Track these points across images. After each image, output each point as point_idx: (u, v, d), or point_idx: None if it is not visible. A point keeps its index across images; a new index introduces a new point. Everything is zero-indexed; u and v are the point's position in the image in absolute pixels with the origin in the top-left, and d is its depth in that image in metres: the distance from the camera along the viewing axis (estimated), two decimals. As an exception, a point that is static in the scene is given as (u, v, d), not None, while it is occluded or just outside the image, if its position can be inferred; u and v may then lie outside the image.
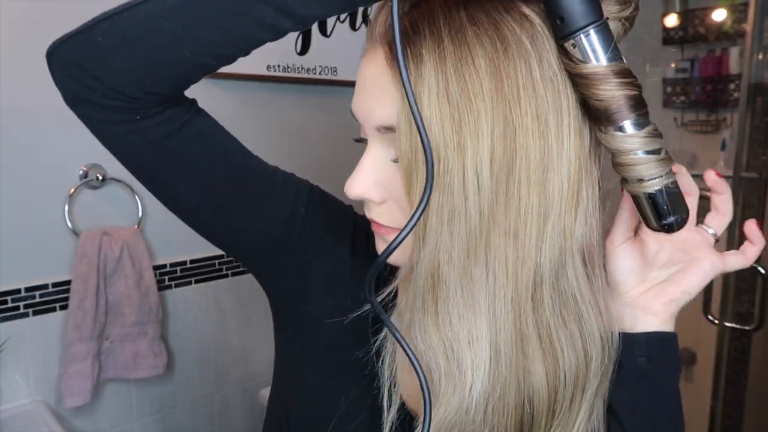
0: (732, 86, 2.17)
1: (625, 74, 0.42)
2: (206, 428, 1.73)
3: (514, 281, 0.46)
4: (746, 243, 0.53)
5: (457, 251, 0.45)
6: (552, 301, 0.48)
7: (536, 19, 0.44)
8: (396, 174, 0.48)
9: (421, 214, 0.42)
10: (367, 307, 0.55)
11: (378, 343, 0.57)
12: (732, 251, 0.52)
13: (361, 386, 0.59)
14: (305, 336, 0.63)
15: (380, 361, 0.57)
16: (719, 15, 2.20)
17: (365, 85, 0.49)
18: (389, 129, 0.47)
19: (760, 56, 1.73)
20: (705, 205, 0.53)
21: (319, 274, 0.61)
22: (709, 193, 0.52)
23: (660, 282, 0.53)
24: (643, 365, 0.52)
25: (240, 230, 0.58)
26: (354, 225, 0.64)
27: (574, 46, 0.42)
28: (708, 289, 1.75)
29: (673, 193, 0.44)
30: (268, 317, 0.66)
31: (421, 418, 0.44)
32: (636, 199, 0.45)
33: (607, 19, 0.42)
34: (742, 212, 1.81)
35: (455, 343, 0.48)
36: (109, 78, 0.46)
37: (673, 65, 2.33)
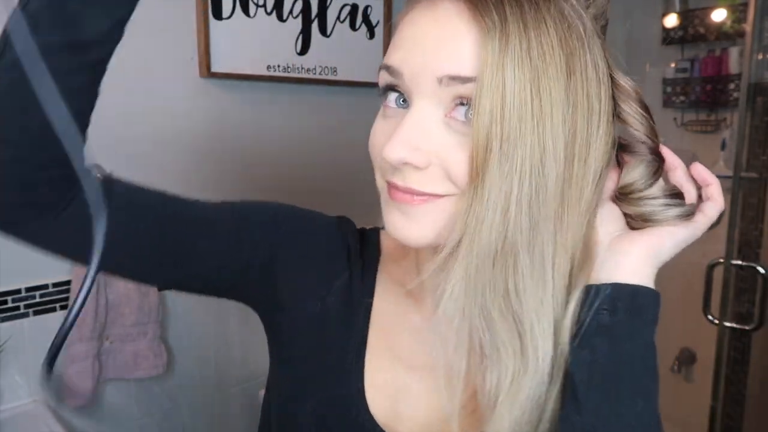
0: (732, 86, 2.17)
1: None
2: (206, 428, 1.72)
3: (571, 253, 0.48)
4: (704, 189, 0.51)
5: (529, 219, 0.45)
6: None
7: (584, 12, 0.47)
8: (446, 135, 0.46)
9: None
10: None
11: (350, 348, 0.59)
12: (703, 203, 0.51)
13: (331, 385, 0.60)
14: (282, 341, 0.64)
15: (348, 369, 0.58)
16: (719, 15, 2.20)
17: (425, 36, 0.46)
18: (457, 79, 0.44)
19: (760, 56, 1.73)
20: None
21: (284, 290, 0.62)
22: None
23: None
24: (604, 321, 0.47)
25: (202, 272, 0.59)
26: (326, 236, 0.64)
27: None
28: (708, 289, 1.75)
29: None
30: (268, 317, 0.66)
31: None
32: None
33: None
34: (741, 212, 1.81)
35: (523, 315, 0.47)
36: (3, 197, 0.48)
37: (672, 65, 2.33)
